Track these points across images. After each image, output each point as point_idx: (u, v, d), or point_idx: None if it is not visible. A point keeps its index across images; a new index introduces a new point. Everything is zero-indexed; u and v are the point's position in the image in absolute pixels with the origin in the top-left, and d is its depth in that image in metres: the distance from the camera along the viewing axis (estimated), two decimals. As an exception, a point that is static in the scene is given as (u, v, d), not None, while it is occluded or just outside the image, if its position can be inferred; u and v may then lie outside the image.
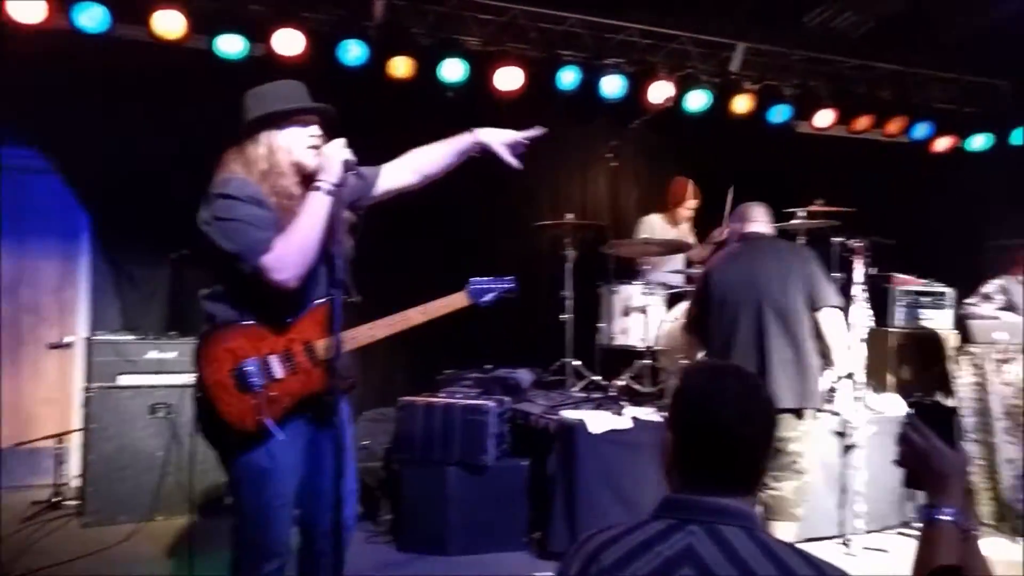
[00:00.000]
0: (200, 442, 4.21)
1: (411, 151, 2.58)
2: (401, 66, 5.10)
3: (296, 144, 2.28)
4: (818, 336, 3.48)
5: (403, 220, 4.72)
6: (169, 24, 4.62)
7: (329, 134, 2.33)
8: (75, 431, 4.61)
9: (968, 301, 5.40)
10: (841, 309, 3.54)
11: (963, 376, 4.78)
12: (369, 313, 2.37)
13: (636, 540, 1.21)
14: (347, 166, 2.23)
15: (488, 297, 2.47)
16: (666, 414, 1.37)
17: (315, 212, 2.19)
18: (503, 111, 5.69)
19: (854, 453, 4.24)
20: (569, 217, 4.98)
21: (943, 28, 6.15)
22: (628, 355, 4.99)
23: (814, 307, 3.46)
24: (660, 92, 5.77)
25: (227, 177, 2.22)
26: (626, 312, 4.91)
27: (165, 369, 4.41)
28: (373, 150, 2.52)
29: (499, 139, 2.57)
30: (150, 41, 4.68)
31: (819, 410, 3.55)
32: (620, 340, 4.89)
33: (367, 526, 4.17)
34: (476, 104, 5.55)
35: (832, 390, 4.23)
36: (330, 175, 2.22)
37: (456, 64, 5.25)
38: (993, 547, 4.30)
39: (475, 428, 3.91)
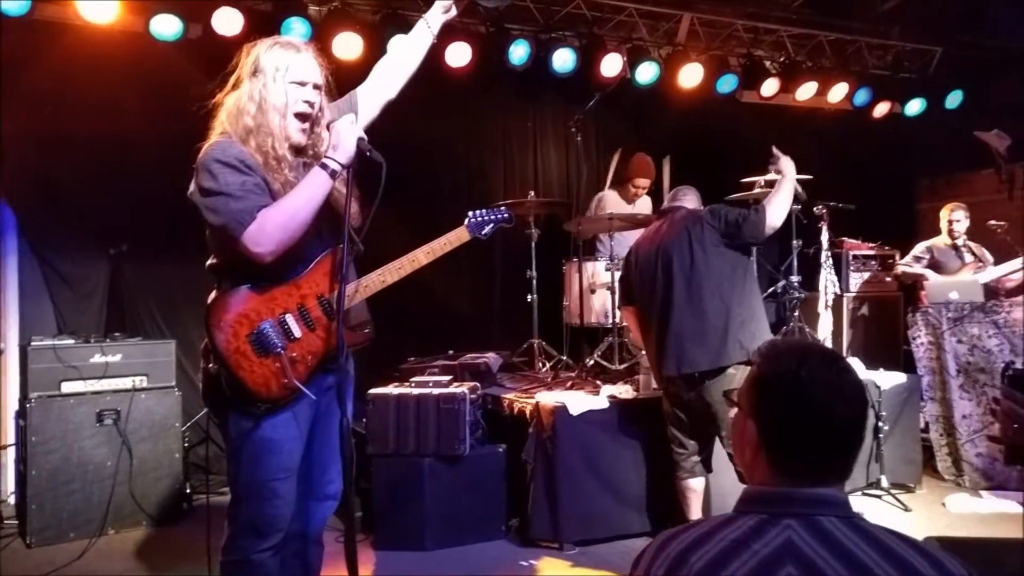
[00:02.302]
0: (152, 448, 4.09)
1: (378, 64, 2.51)
2: (347, 44, 4.87)
3: (289, 105, 2.13)
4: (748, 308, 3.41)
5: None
6: (97, 9, 4.37)
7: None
8: (11, 445, 4.28)
9: (901, 262, 5.59)
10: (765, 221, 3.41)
11: (919, 336, 4.90)
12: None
13: (727, 539, 1.11)
14: (361, 146, 2.11)
15: (486, 229, 2.46)
16: (741, 401, 1.25)
17: (312, 192, 2.08)
18: (454, 88, 5.54)
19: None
20: (531, 195, 4.87)
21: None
22: (595, 333, 4.94)
23: (759, 240, 3.43)
24: (611, 65, 5.70)
25: (212, 143, 2.10)
26: (591, 289, 4.84)
27: (111, 373, 4.13)
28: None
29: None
30: (77, 24, 4.39)
31: (743, 363, 3.30)
32: (586, 318, 4.82)
33: (336, 524, 4.00)
34: (426, 81, 5.37)
35: None
36: (341, 155, 2.09)
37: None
38: (954, 502, 4.43)
39: (450, 417, 3.78)
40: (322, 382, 2.18)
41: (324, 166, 2.09)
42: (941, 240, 5.48)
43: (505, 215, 2.50)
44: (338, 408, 2.07)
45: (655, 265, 3.53)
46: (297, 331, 2.13)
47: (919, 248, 5.54)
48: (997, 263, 5.23)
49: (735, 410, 1.29)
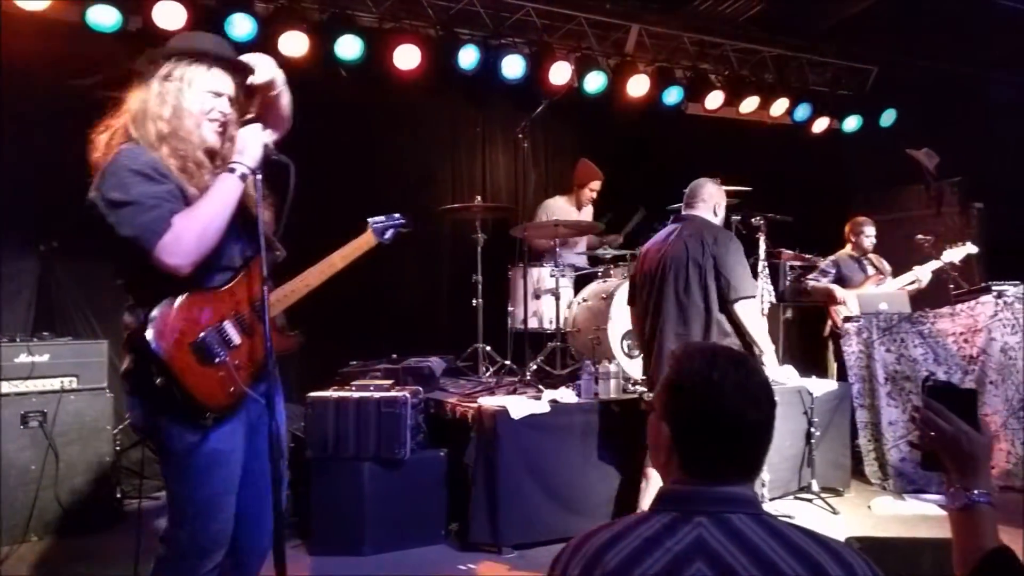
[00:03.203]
0: (81, 451, 3.95)
1: None
2: (293, 42, 4.81)
3: (204, 112, 2.09)
4: (738, 331, 3.47)
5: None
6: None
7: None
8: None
9: (809, 277, 5.81)
10: (753, 297, 3.51)
11: (850, 345, 5.06)
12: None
13: (641, 537, 1.14)
14: (266, 150, 2.10)
15: (388, 234, 2.59)
16: (655, 403, 1.29)
17: (225, 197, 2.03)
18: (401, 90, 5.52)
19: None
20: (478, 200, 4.88)
21: (818, 15, 6.48)
22: (539, 338, 4.97)
23: (727, 299, 3.44)
24: (560, 73, 5.76)
25: (120, 149, 2.01)
26: (536, 295, 4.88)
27: (38, 374, 3.98)
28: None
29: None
30: (8, 10, 4.25)
31: None
32: (531, 323, 4.85)
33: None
34: (373, 83, 5.35)
35: None
36: (248, 158, 2.07)
37: (351, 41, 5.02)
38: (879, 504, 4.59)
39: (391, 421, 3.75)
40: (256, 390, 2.14)
41: (232, 170, 2.06)
42: (846, 253, 5.72)
43: (402, 220, 2.62)
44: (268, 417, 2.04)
45: (656, 273, 3.58)
46: (236, 338, 2.10)
47: (826, 262, 5.74)
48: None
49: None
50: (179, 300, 2.01)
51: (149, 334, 1.95)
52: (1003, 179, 6.26)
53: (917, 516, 4.39)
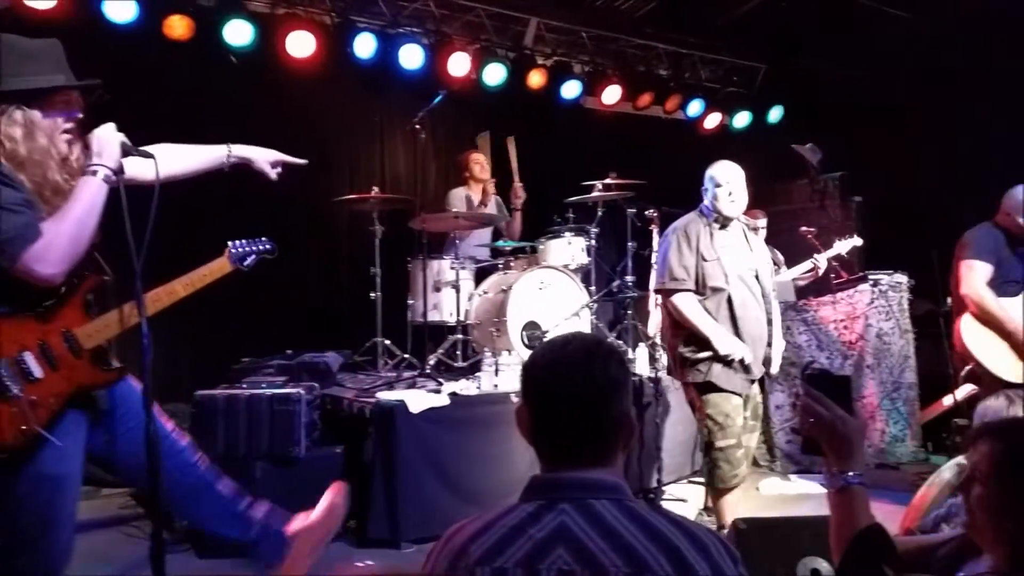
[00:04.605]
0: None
1: (159, 146, 2.22)
2: (178, 26, 4.58)
3: (56, 126, 1.97)
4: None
5: (186, 201, 4.26)
6: None
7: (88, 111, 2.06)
8: None
9: None
10: (672, 291, 3.57)
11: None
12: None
13: (506, 526, 1.15)
14: (125, 148, 2.00)
15: (248, 260, 2.39)
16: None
17: (92, 200, 1.93)
18: (296, 79, 5.35)
19: (649, 411, 4.49)
20: (375, 191, 4.80)
21: (710, 12, 6.71)
22: (440, 331, 4.94)
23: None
24: (459, 64, 5.73)
25: None
26: (437, 287, 4.85)
27: None
28: (147, 119, 2.29)
29: (260, 156, 2.45)
30: None
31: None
32: (431, 316, 4.82)
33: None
34: (266, 70, 5.17)
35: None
36: (108, 159, 1.96)
37: (241, 26, 4.82)
38: (767, 485, 4.81)
39: (284, 418, 3.65)
40: (78, 418, 2.01)
41: (93, 173, 1.94)
42: None
43: (267, 246, 2.45)
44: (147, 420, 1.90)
45: None
46: (37, 371, 1.91)
47: None
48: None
49: None
50: None
51: None
52: (879, 175, 6.65)
53: (801, 495, 4.63)
